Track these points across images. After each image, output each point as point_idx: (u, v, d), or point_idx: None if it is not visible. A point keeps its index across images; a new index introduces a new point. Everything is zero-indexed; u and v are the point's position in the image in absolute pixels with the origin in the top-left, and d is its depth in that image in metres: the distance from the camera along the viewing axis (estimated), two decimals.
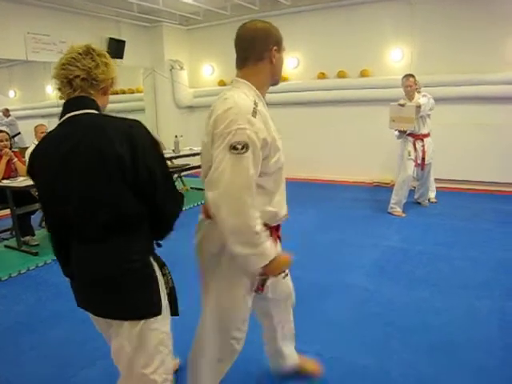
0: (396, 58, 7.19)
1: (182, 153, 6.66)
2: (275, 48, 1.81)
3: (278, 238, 1.89)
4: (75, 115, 1.54)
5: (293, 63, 8.02)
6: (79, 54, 1.56)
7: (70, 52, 1.58)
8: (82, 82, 1.55)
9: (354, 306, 3.17)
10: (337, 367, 2.44)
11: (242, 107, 1.62)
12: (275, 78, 1.85)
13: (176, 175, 7.23)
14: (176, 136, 6.71)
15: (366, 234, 4.81)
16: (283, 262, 1.78)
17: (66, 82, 1.55)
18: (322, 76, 7.81)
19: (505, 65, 6.54)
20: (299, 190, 7.26)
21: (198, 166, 6.46)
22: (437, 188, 6.26)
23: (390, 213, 5.58)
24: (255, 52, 1.79)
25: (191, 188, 7.42)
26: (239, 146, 1.55)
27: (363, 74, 7.46)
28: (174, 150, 6.61)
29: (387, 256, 4.14)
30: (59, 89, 1.59)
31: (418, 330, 2.79)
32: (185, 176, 7.63)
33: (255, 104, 1.66)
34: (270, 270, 1.70)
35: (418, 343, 2.65)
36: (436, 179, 6.25)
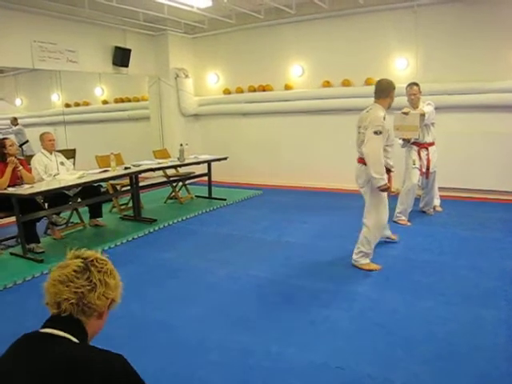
0: (401, 66, 7.20)
1: (186, 161, 6.67)
2: (391, 93, 3.97)
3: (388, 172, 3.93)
4: (49, 335, 1.26)
5: (298, 71, 8.05)
6: (74, 271, 1.31)
7: (65, 265, 1.34)
8: (71, 306, 1.29)
9: (358, 314, 3.16)
10: (342, 376, 2.43)
11: (379, 115, 3.79)
12: (390, 105, 4.00)
13: (181, 183, 7.25)
14: (181, 144, 6.72)
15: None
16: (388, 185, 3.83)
17: (53, 301, 1.31)
18: (327, 84, 7.84)
19: (511, 73, 6.55)
20: (305, 198, 7.29)
21: (204, 174, 6.59)
22: (442, 196, 6.25)
23: (395, 221, 5.55)
24: (384, 93, 3.94)
25: (196, 196, 7.42)
26: (378, 131, 3.74)
27: (368, 83, 7.46)
28: (178, 158, 6.63)
29: (392, 265, 4.12)
30: (46, 303, 1.34)
31: (423, 340, 2.77)
32: (189, 184, 7.64)
33: (384, 115, 3.80)
34: (383, 187, 3.77)
35: (422, 353, 2.63)
36: (441, 188, 6.23)
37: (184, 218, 6.04)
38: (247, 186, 8.30)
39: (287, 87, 8.17)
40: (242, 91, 8.69)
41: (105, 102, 10.46)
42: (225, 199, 7.08)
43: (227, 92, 8.85)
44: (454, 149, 6.72)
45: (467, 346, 2.69)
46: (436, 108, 5.75)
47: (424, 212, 5.99)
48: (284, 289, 3.65)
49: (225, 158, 7.22)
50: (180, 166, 6.72)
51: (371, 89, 7.20)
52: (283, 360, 2.60)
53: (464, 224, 5.48)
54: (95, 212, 5.73)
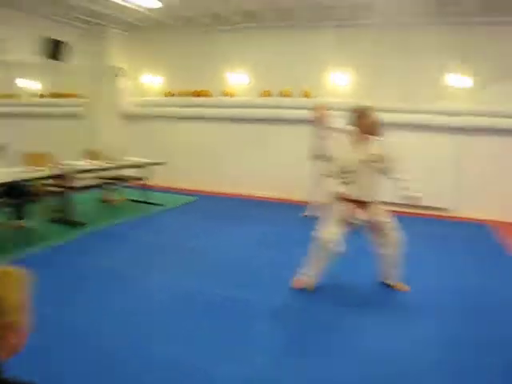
0: (339, 81, 7.42)
1: (122, 163, 6.45)
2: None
3: None
4: None
5: (238, 79, 8.08)
6: None
7: None
8: None
9: (283, 326, 3.16)
10: None
11: None
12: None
13: (115, 187, 6.99)
14: (117, 146, 6.49)
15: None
16: None
17: None
18: (267, 94, 7.92)
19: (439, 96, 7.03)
20: (240, 206, 7.30)
21: (140, 178, 6.34)
22: None
23: None
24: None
25: (131, 200, 7.18)
26: None
27: (306, 95, 7.63)
28: (114, 161, 6.38)
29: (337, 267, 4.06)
30: None
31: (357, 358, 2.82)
32: (125, 187, 7.35)
33: None
34: None
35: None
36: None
37: (117, 223, 5.85)
38: (183, 192, 8.19)
39: (227, 94, 8.18)
40: (180, 95, 8.59)
41: (41, 96, 9.95)
42: (161, 204, 6.94)
43: (169, 94, 8.72)
44: None
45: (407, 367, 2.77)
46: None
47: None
48: (212, 299, 3.57)
49: (162, 163, 7.08)
50: (116, 168, 6.49)
51: (308, 101, 7.54)
52: (209, 372, 2.56)
53: None
54: (20, 213, 5.39)
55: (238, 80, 8.07)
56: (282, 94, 7.78)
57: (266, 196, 7.92)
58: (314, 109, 6.06)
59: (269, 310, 3.40)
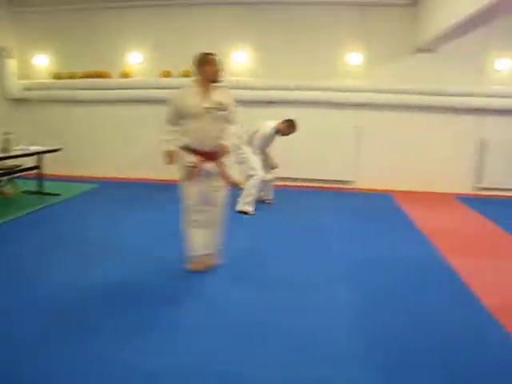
0: (240, 60, 7.40)
1: (13, 153, 5.88)
2: None
3: None
4: None
5: (136, 59, 7.73)
6: None
7: None
8: None
9: (213, 314, 3.09)
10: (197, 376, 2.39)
11: None
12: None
13: (6, 178, 6.40)
14: (5, 133, 5.90)
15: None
16: None
17: None
18: (167, 74, 7.67)
19: (336, 74, 7.28)
20: (141, 191, 7.03)
21: (34, 167, 5.84)
22: (282, 186, 6.63)
23: (240, 211, 5.71)
24: None
25: (26, 192, 6.62)
26: None
27: None
28: (3, 150, 5.79)
29: (237, 258, 4.14)
30: None
31: (280, 332, 2.85)
32: (17, 178, 6.74)
33: None
34: None
35: (280, 345, 2.71)
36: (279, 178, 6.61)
37: (11, 218, 5.34)
38: (82, 180, 7.74)
39: (125, 75, 7.80)
40: (75, 77, 8.01)
41: None
42: (58, 194, 6.49)
43: (58, 77, 8.08)
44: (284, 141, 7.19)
45: (322, 333, 2.85)
46: (276, 102, 6.32)
47: (263, 201, 6.27)
48: (127, 290, 3.41)
49: (57, 150, 6.60)
50: (5, 158, 5.91)
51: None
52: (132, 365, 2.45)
53: (301, 211, 5.90)
54: None
55: (136, 60, 7.72)
56: (183, 75, 7.57)
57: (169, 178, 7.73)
58: None
59: (194, 297, 3.34)
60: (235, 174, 6.71)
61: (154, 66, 7.72)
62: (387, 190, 7.43)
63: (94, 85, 7.88)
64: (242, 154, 5.81)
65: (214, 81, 3.51)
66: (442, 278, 3.85)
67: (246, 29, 7.35)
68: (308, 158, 7.33)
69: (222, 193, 3.71)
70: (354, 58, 7.24)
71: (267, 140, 5.99)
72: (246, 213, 5.67)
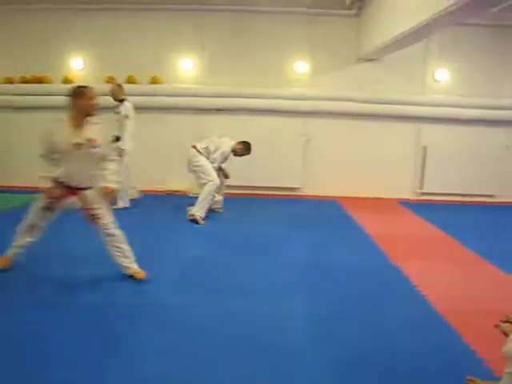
0: (187, 67, 7.29)
1: None
2: None
3: None
4: None
5: (78, 64, 7.40)
6: None
7: None
8: None
9: (169, 327, 2.98)
10: None
11: None
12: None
13: None
14: None
15: (166, 245, 4.69)
16: None
17: None
18: (111, 80, 7.41)
19: (283, 82, 7.35)
20: None
21: None
22: (230, 194, 6.58)
23: (192, 219, 5.62)
24: None
25: None
26: None
27: (154, 81, 7.35)
28: None
29: (191, 267, 4.09)
30: None
31: (243, 342, 2.80)
32: None
33: None
34: None
35: (243, 355, 2.65)
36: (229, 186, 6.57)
37: None
38: (27, 190, 7.27)
39: (67, 80, 7.45)
40: (12, 81, 7.55)
41: None
42: None
43: (9, 81, 7.49)
44: None
45: (281, 343, 2.82)
46: (225, 109, 6.41)
47: (212, 210, 6.19)
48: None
49: None
50: None
51: (157, 87, 7.28)
52: None
53: (254, 220, 5.89)
54: None
55: (79, 65, 7.40)
56: (128, 81, 7.35)
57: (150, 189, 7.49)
58: None
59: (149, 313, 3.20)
60: (185, 183, 6.72)
61: (97, 72, 7.41)
62: (333, 197, 7.56)
63: (33, 90, 7.45)
64: (197, 162, 5.83)
65: (89, 115, 3.45)
66: (393, 283, 3.96)
67: (193, 35, 7.25)
68: (256, 166, 7.30)
69: (102, 220, 3.57)
70: (301, 66, 7.34)
71: (224, 158, 6.07)
72: (196, 222, 5.59)
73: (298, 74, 7.40)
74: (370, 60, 7.32)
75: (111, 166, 3.58)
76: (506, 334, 2.19)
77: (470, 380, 2.39)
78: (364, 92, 7.42)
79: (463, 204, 7.59)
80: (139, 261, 3.88)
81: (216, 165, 5.92)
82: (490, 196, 7.80)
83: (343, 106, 7.48)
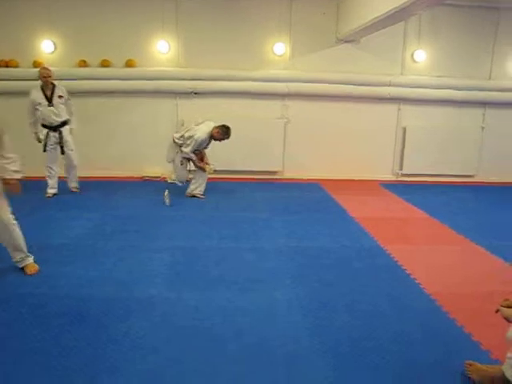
0: (163, 49, 7.06)
1: None
2: None
3: None
4: None
5: (48, 47, 7.07)
6: None
7: None
8: None
9: (161, 320, 2.89)
10: None
11: None
12: None
13: None
14: None
15: (151, 236, 4.56)
16: None
17: None
18: (83, 64, 7.14)
19: (262, 64, 7.18)
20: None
21: None
22: (211, 179, 6.47)
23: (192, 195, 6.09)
24: None
25: None
26: None
27: (129, 65, 7.11)
28: None
29: (179, 257, 3.99)
30: None
31: (232, 336, 2.73)
32: None
33: None
34: None
35: (234, 351, 2.59)
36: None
37: None
38: None
39: (36, 64, 7.12)
40: None
41: None
42: None
43: None
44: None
45: (275, 333, 2.77)
46: (203, 93, 6.39)
47: (194, 196, 6.14)
48: (63, 308, 3.04)
49: None
50: None
51: (132, 71, 7.04)
52: None
53: (233, 206, 5.80)
54: None
55: (49, 48, 7.07)
56: (102, 65, 7.10)
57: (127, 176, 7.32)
58: None
59: (140, 307, 3.09)
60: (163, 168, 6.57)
61: (69, 56, 7.10)
62: (315, 179, 7.54)
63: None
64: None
65: None
66: (383, 267, 3.93)
67: (169, 17, 7.00)
68: (235, 150, 7.20)
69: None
70: (280, 47, 7.19)
71: (200, 144, 6.00)
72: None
73: (277, 56, 7.25)
74: (349, 41, 7.24)
75: (10, 155, 3.32)
76: (507, 319, 2.18)
77: (469, 364, 2.39)
78: (343, 73, 7.35)
79: (443, 184, 7.67)
80: (122, 252, 3.77)
81: (188, 150, 5.90)
82: (470, 176, 7.91)
83: (322, 87, 7.39)
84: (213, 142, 6.09)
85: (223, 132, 5.93)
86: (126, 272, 3.64)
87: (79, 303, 3.07)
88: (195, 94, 7.19)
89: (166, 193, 5.69)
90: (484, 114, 7.80)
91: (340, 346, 2.64)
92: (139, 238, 4.46)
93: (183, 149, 5.97)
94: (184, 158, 6.08)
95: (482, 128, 7.78)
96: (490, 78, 7.67)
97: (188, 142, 5.90)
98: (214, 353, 2.55)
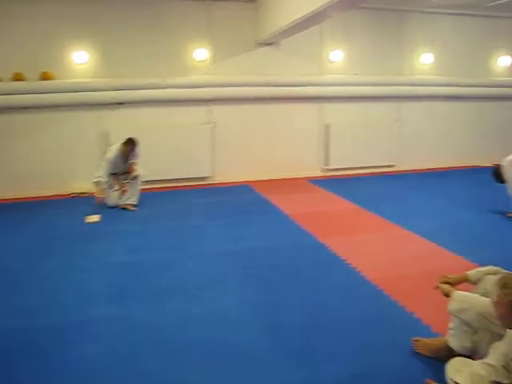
0: (80, 60, 6.81)
1: None
2: None
3: None
4: None
5: None
6: None
7: None
8: None
9: (114, 341, 2.80)
10: None
11: None
12: None
13: None
14: None
15: (86, 254, 4.35)
16: None
17: None
18: None
19: (184, 70, 7.18)
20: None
21: None
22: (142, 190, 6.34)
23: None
24: None
25: None
26: None
27: (44, 77, 6.78)
28: None
29: (120, 273, 3.88)
30: None
31: (189, 345, 2.72)
32: None
33: None
34: None
35: (191, 358, 2.59)
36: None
37: None
38: None
39: None
40: None
41: None
42: None
43: None
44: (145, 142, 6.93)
45: (234, 338, 2.78)
46: (127, 103, 6.40)
47: (124, 209, 6.01)
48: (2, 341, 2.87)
49: None
50: None
51: (49, 84, 6.70)
52: None
53: (168, 215, 5.75)
54: None
55: None
56: (15, 78, 6.71)
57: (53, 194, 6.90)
58: None
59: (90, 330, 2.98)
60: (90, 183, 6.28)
61: None
62: (245, 181, 7.63)
63: None
64: None
65: None
66: (324, 260, 4.08)
67: (86, 26, 6.74)
68: (163, 159, 7.13)
69: None
70: (202, 53, 7.21)
71: (113, 164, 5.99)
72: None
73: (199, 61, 7.26)
74: (269, 44, 7.41)
75: None
76: (446, 295, 2.38)
77: (416, 340, 2.58)
78: (265, 76, 7.51)
79: (368, 176, 8.09)
80: (57, 274, 3.62)
81: (102, 173, 5.91)
82: (390, 166, 8.41)
83: (246, 90, 7.51)
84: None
85: (127, 143, 5.90)
86: (67, 295, 3.48)
87: (20, 334, 2.90)
88: (119, 104, 7.01)
89: (96, 217, 5.55)
90: (398, 108, 8.34)
91: (295, 342, 2.72)
92: (74, 258, 4.27)
93: (96, 174, 5.93)
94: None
95: (397, 120, 8.31)
96: (400, 74, 8.21)
97: (102, 164, 5.93)
98: (173, 364, 2.53)
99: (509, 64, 8.83)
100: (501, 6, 7.67)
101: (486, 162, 8.33)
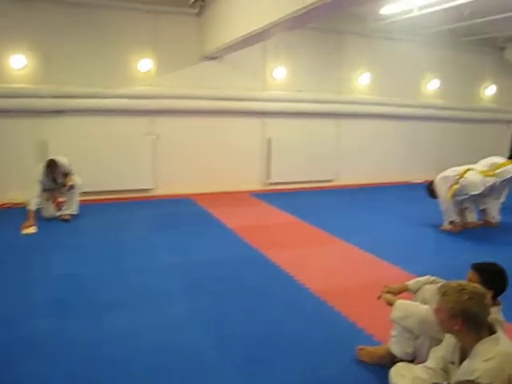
0: (17, 65, 6.48)
1: None
2: None
3: None
4: None
5: None
6: None
7: None
8: None
9: (56, 356, 2.68)
10: None
11: None
12: None
13: None
14: None
15: (23, 267, 4.17)
16: None
17: None
18: None
19: (127, 81, 7.10)
20: None
21: None
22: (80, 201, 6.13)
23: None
24: None
25: None
26: None
27: None
28: None
29: (59, 287, 3.74)
30: None
31: (134, 359, 2.67)
32: None
33: None
34: None
35: (137, 373, 2.54)
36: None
37: None
38: None
39: None
40: None
41: None
42: None
43: None
44: (86, 152, 6.75)
45: (177, 351, 2.76)
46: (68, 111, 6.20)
47: (63, 219, 5.81)
48: None
49: None
50: None
51: None
52: None
53: (110, 227, 5.61)
54: None
55: None
56: None
57: None
58: None
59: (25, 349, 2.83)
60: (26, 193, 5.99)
61: None
62: (188, 194, 7.57)
63: None
64: None
65: None
66: (267, 273, 4.16)
67: (24, 28, 6.45)
68: (103, 170, 6.93)
69: None
70: (146, 64, 7.14)
71: (43, 184, 5.70)
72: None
73: (143, 73, 7.17)
74: (213, 58, 7.47)
75: None
76: (389, 304, 2.50)
77: (360, 349, 2.68)
78: (209, 89, 7.56)
79: (308, 190, 8.31)
80: None
81: (34, 193, 5.56)
82: (329, 181, 8.69)
83: (190, 103, 7.51)
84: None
85: (48, 165, 5.65)
86: (3, 309, 3.32)
87: None
88: (60, 112, 6.75)
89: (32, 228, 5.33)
90: (337, 124, 8.67)
91: (245, 353, 2.75)
92: (9, 271, 4.08)
93: (27, 195, 5.62)
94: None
95: (336, 137, 8.63)
96: (339, 93, 8.55)
97: (32, 184, 5.62)
98: (119, 380, 2.48)
99: (437, 87, 9.43)
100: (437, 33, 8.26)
101: (419, 178, 8.82)
